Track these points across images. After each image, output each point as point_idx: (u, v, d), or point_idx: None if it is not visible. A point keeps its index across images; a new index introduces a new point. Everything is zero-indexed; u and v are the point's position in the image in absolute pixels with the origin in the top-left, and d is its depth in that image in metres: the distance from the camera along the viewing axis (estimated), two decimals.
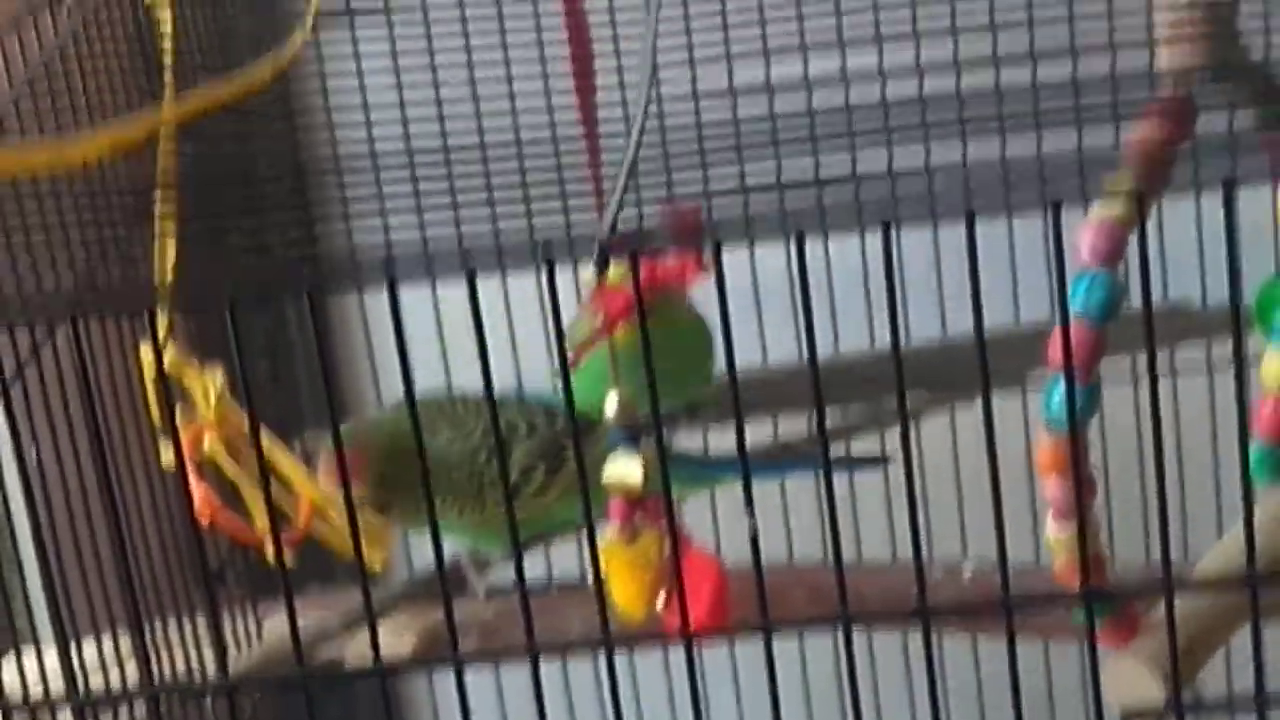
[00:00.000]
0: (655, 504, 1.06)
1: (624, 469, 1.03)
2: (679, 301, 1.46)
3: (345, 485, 0.97)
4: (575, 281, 1.21)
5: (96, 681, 1.26)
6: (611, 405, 1.01)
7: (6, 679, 1.22)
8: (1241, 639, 1.03)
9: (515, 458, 1.44)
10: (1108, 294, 1.02)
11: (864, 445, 1.75)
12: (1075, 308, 1.03)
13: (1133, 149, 1.01)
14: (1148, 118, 1.03)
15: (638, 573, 1.00)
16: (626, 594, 1.04)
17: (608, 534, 1.01)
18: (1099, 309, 1.03)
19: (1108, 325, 1.03)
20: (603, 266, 0.85)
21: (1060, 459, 1.02)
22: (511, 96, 1.25)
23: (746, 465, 0.94)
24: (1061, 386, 1.02)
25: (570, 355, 1.37)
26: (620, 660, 0.95)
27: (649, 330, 0.91)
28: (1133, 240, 1.02)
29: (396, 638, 1.48)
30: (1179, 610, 1.05)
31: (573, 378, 0.98)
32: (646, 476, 1.03)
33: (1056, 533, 1.04)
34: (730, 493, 1.57)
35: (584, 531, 0.99)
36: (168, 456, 1.31)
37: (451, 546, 1.57)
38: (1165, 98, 1.03)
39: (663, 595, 1.00)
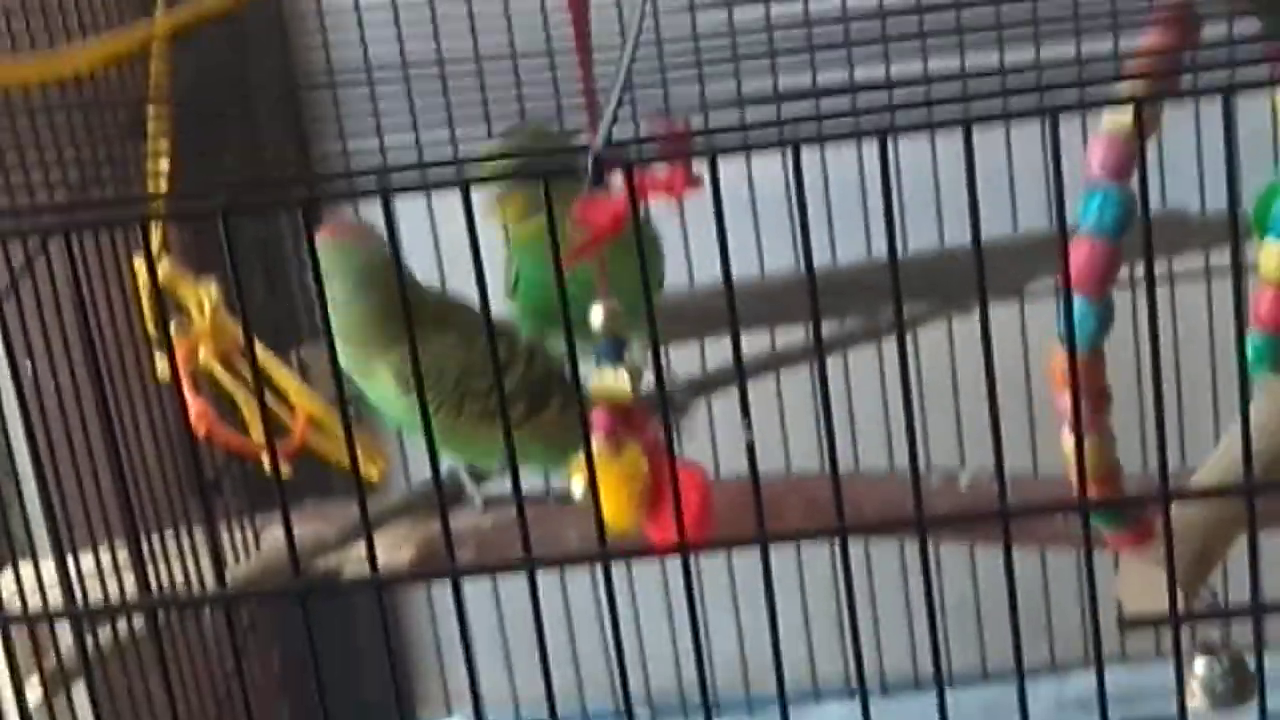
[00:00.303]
0: (639, 416, 1.06)
1: (612, 381, 1.02)
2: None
3: (341, 398, 0.96)
4: None
5: (94, 593, 1.26)
6: (597, 317, 1.01)
7: (5, 592, 1.22)
8: (1242, 546, 1.03)
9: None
10: (1120, 209, 1.02)
11: (861, 355, 1.75)
12: (1089, 224, 1.02)
13: (1136, 59, 1.00)
14: (1150, 26, 1.02)
15: (624, 485, 1.00)
16: (613, 506, 1.04)
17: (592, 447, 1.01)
18: (1113, 224, 1.02)
19: (1122, 240, 1.02)
20: (597, 180, 0.85)
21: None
22: (506, 6, 1.25)
23: (743, 376, 0.93)
24: (1077, 304, 1.02)
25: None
26: (617, 573, 0.95)
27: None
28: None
29: (394, 550, 1.48)
30: (1190, 516, 1.05)
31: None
32: (634, 387, 1.03)
33: (1071, 444, 1.04)
34: (727, 403, 1.57)
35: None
36: (163, 369, 1.31)
37: (447, 459, 1.58)
38: (1167, 5, 1.02)
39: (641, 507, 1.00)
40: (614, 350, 1.03)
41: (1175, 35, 1.01)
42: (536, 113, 1.06)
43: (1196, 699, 1.09)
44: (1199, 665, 1.11)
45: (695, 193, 1.38)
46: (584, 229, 1.01)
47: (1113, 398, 1.05)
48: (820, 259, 0.92)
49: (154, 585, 1.22)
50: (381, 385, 1.50)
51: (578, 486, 1.01)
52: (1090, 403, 1.04)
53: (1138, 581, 1.06)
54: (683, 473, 1.01)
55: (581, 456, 0.99)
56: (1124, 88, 0.95)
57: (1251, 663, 1.07)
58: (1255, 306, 1.14)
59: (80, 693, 1.23)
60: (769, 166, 1.24)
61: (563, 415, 1.49)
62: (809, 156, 0.85)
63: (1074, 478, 1.03)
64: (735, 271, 0.91)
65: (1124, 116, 1.02)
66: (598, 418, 1.02)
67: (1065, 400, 0.97)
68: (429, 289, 1.46)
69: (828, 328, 1.73)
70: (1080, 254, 1.02)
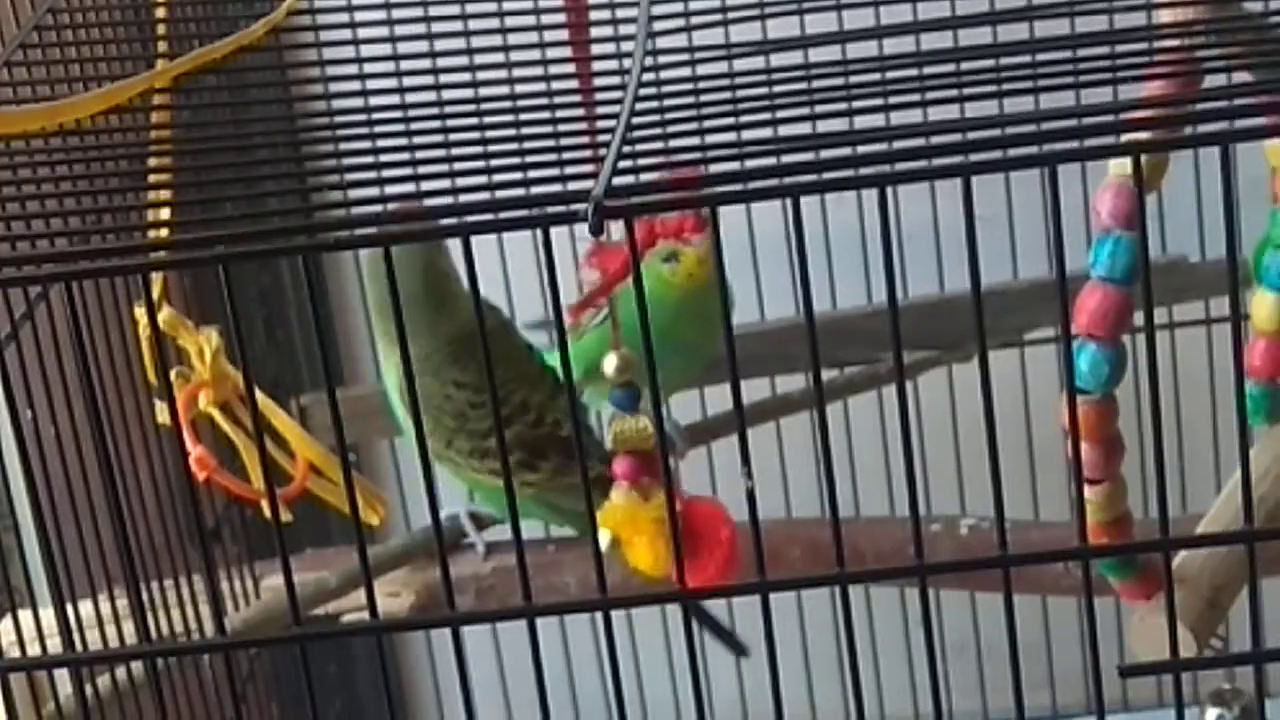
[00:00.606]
0: (656, 463, 1.06)
1: (636, 427, 1.02)
2: (697, 259, 1.45)
3: (341, 445, 0.97)
4: (572, 243, 1.21)
5: (94, 640, 1.26)
6: (610, 365, 1.01)
7: (4, 639, 1.22)
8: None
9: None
10: (1131, 256, 1.02)
11: (862, 401, 1.75)
12: (1100, 271, 1.02)
13: (1139, 108, 1.00)
14: (1152, 77, 1.02)
15: (657, 531, 0.99)
16: (651, 554, 1.03)
17: (616, 497, 1.01)
18: (1124, 271, 1.02)
19: (1133, 287, 1.02)
20: (596, 229, 0.85)
21: (1089, 422, 1.02)
22: (506, 53, 1.25)
23: (743, 422, 0.93)
24: (1090, 350, 1.02)
25: (567, 317, 1.37)
26: (617, 618, 0.95)
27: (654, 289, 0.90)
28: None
29: (394, 596, 1.48)
30: (1199, 564, 1.05)
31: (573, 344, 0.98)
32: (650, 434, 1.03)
33: (1086, 494, 1.04)
34: (728, 449, 1.57)
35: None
36: (163, 416, 1.31)
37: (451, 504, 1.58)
38: (1169, 55, 1.02)
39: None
40: (628, 400, 1.03)
41: (1177, 85, 1.01)
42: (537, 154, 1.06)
43: None
44: (1210, 716, 1.11)
45: (703, 236, 1.39)
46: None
47: (1124, 450, 1.05)
48: (820, 305, 0.93)
49: (153, 632, 1.22)
50: (389, 383, 1.50)
51: (605, 538, 1.01)
52: (1102, 451, 1.04)
53: (1149, 634, 1.06)
54: (709, 513, 1.01)
55: (606, 509, 1.00)
56: (1127, 139, 0.95)
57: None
58: (1249, 357, 1.14)
59: None
60: (770, 212, 1.24)
61: (556, 478, 1.48)
62: (809, 203, 0.86)
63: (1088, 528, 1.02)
64: (736, 318, 0.91)
65: (1126, 166, 1.03)
66: (620, 467, 1.02)
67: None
68: (495, 309, 1.46)
69: (828, 374, 1.73)
70: (1093, 301, 1.03)
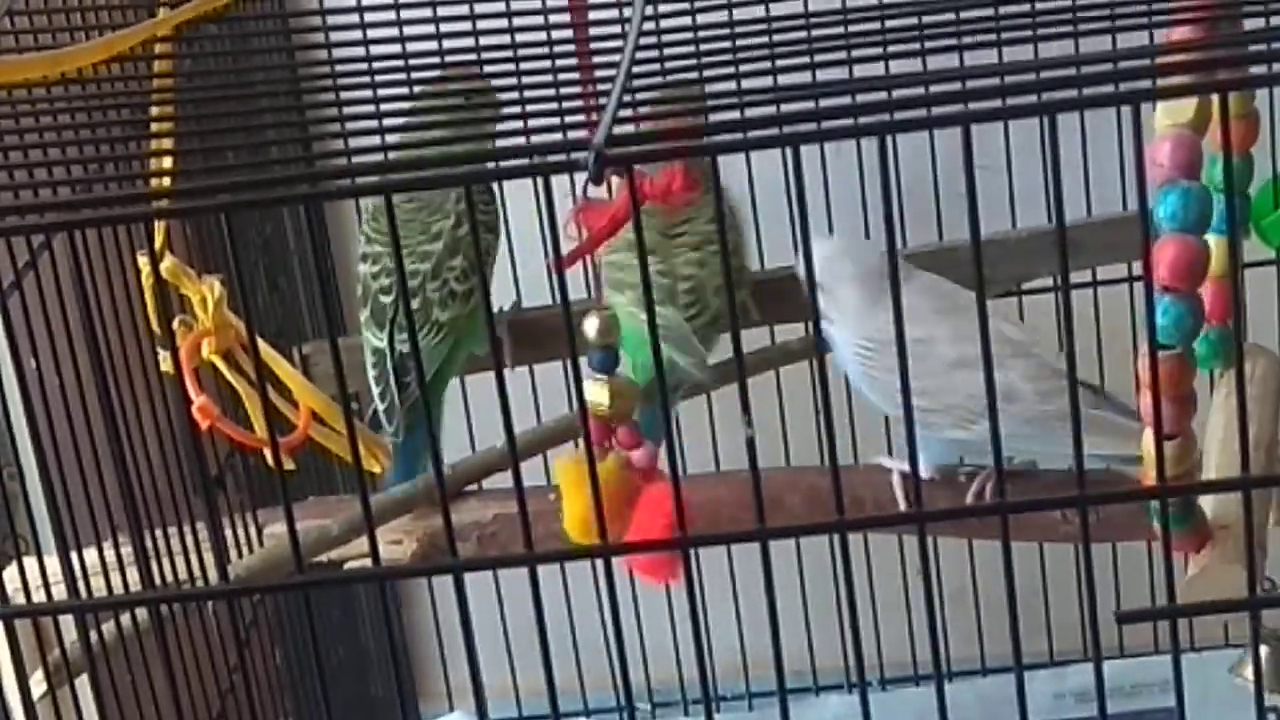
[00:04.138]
0: (628, 433, 1.07)
1: (593, 392, 1.03)
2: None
3: (343, 393, 0.97)
4: (572, 192, 1.21)
5: (98, 588, 1.27)
6: (591, 327, 1.01)
7: (9, 586, 1.23)
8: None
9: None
10: (1203, 204, 1.00)
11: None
12: (1174, 223, 1.01)
13: (1173, 53, 0.99)
14: (1181, 21, 1.02)
15: (586, 494, 0.99)
16: (572, 513, 1.05)
17: (575, 454, 1.02)
18: (1196, 221, 1.00)
19: (1204, 236, 1.01)
20: (597, 178, 0.85)
21: (1169, 377, 1.00)
22: (507, 2, 1.25)
23: (743, 372, 0.94)
24: (1170, 303, 1.01)
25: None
26: (617, 565, 0.96)
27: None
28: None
29: (396, 543, 1.49)
30: (1239, 509, 1.05)
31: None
32: (613, 403, 1.03)
33: (1150, 446, 1.03)
34: (728, 398, 1.57)
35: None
36: (166, 364, 1.32)
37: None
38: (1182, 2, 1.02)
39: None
40: (607, 362, 1.03)
41: (1203, 30, 1.00)
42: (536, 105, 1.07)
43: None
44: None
45: (693, 197, 1.40)
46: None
47: (1196, 406, 1.04)
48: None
49: (157, 580, 1.23)
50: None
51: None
52: (1180, 407, 1.03)
53: (1205, 583, 1.05)
54: (656, 497, 1.02)
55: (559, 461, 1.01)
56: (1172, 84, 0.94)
57: (1264, 653, 1.07)
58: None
59: (84, 686, 1.24)
60: (769, 161, 1.24)
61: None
62: (809, 153, 0.86)
63: (1146, 479, 1.01)
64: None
65: (1181, 115, 1.02)
66: (592, 425, 1.03)
67: (1148, 401, 0.96)
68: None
69: None
70: (1171, 252, 1.01)
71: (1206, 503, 1.08)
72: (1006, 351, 1.33)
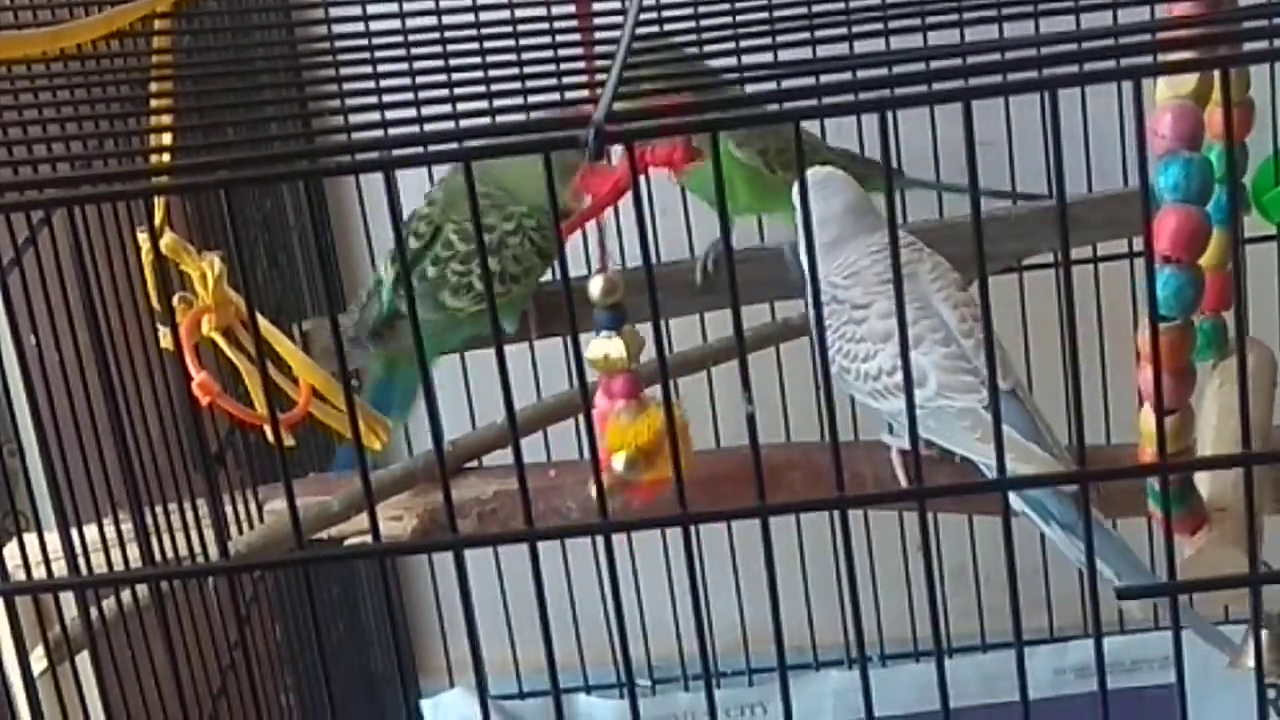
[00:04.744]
0: (627, 382, 1.07)
1: (608, 348, 1.03)
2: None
3: (343, 369, 0.97)
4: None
5: (98, 564, 1.27)
6: (596, 287, 1.01)
7: (10, 563, 1.23)
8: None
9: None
10: (1204, 176, 1.00)
11: None
12: (1176, 194, 1.01)
13: (1171, 29, 0.99)
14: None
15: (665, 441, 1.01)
16: (665, 461, 1.05)
17: (623, 417, 1.03)
18: (1199, 192, 1.00)
19: (1206, 208, 1.01)
20: (597, 154, 0.85)
21: (1168, 350, 1.00)
22: None
23: (744, 348, 0.94)
24: (1171, 274, 1.00)
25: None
26: (618, 542, 0.96)
27: None
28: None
29: (396, 520, 1.49)
30: (1236, 492, 1.04)
31: None
32: (629, 352, 1.03)
33: (1148, 421, 1.02)
34: (728, 374, 1.58)
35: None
36: (166, 341, 1.32)
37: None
38: None
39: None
40: (613, 321, 1.03)
41: (1204, 5, 1.00)
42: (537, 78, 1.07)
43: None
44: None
45: (695, 166, 1.40)
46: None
47: (1195, 381, 1.04)
48: None
49: (158, 556, 1.23)
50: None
51: (621, 460, 1.02)
52: (1180, 380, 1.03)
53: (1208, 560, 1.05)
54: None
55: (615, 428, 1.01)
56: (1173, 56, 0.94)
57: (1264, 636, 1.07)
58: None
59: (84, 663, 1.24)
60: None
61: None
62: (810, 128, 0.86)
63: (1145, 455, 1.01)
64: (736, 243, 0.91)
65: (1182, 86, 1.01)
66: (618, 386, 1.03)
67: (1147, 375, 0.95)
68: None
69: None
70: (1173, 223, 1.00)
71: (1203, 486, 1.08)
72: (937, 337, 1.31)
